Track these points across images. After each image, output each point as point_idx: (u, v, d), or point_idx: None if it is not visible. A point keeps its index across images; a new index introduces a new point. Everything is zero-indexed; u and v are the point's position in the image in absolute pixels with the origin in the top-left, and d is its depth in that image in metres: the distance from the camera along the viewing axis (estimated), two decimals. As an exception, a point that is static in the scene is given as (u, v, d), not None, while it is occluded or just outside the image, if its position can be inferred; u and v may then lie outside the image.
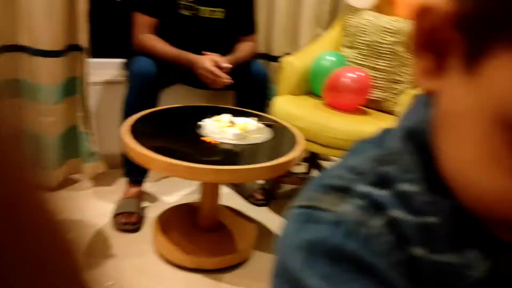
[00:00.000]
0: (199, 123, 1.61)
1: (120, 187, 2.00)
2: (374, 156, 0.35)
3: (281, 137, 1.64)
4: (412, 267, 0.30)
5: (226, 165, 1.32)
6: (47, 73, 1.83)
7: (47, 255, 0.19)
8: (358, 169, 0.33)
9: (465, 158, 0.29)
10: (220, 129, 1.53)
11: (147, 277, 1.57)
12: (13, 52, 1.82)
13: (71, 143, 2.05)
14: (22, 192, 0.19)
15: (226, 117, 1.60)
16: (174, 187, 2.15)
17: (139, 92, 1.77)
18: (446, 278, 0.30)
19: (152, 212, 1.91)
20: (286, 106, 1.95)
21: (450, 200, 0.31)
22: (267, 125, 1.67)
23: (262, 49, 2.31)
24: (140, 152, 1.35)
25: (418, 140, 0.33)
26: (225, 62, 1.78)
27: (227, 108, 1.87)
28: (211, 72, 1.74)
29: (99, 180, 2.13)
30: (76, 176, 2.15)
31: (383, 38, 1.98)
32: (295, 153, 1.44)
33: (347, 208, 0.31)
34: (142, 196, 1.95)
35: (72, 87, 1.97)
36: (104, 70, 2.22)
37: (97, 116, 2.14)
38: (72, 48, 1.92)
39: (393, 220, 0.30)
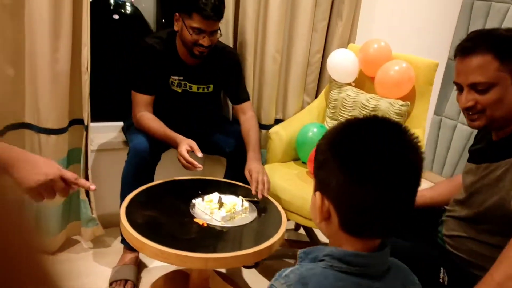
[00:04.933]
0: (193, 201, 1.74)
1: (119, 247, 2.12)
2: None
3: (266, 216, 1.76)
4: None
5: (213, 252, 1.45)
6: (52, 149, 1.97)
7: None
8: None
9: None
10: (210, 210, 1.67)
11: None
12: (19, 130, 1.96)
13: (72, 208, 2.19)
14: (23, 256, 0.20)
15: (216, 197, 1.73)
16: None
17: (136, 168, 1.91)
18: None
19: (149, 277, 2.03)
20: (272, 176, 2.08)
21: None
22: (254, 202, 1.81)
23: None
24: (134, 237, 1.48)
25: None
26: (198, 151, 1.84)
27: (219, 181, 2.01)
28: (183, 158, 1.83)
29: (98, 241, 2.25)
30: (76, 237, 2.27)
31: (362, 114, 2.13)
32: (277, 236, 1.58)
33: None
34: (138, 261, 2.06)
35: (75, 157, 2.11)
36: (104, 134, 2.37)
37: (96, 177, 2.25)
38: (75, 122, 2.07)
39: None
